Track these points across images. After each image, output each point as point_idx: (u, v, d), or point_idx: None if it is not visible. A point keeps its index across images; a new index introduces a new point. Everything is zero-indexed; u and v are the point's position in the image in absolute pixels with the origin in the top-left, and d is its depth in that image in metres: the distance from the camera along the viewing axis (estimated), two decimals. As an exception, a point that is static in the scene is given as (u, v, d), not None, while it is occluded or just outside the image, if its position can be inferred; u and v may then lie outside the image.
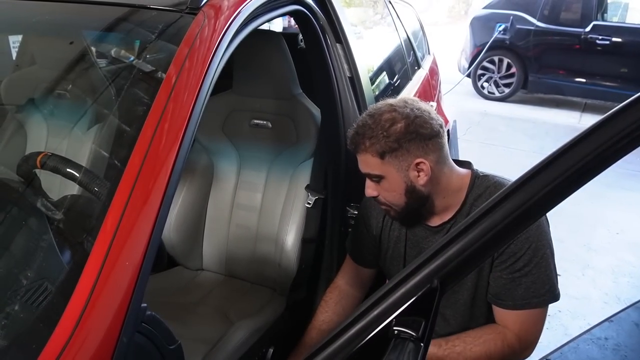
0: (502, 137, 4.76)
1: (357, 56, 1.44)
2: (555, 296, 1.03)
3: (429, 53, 2.80)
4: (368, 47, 1.99)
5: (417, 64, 2.32)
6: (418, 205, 1.06)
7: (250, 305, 1.53)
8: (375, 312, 0.46)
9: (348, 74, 1.40)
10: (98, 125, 1.41)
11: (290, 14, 1.31)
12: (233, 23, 0.95)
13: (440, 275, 0.46)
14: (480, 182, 1.09)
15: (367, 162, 1.05)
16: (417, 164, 1.02)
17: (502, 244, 0.51)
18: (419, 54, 2.37)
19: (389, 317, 0.45)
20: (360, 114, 1.43)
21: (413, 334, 0.44)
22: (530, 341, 1.03)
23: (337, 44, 1.39)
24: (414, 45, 2.32)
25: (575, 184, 0.45)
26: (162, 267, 1.43)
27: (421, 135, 1.01)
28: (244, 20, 1.00)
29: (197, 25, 0.89)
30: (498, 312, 1.06)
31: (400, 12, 2.39)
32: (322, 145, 1.49)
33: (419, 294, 0.45)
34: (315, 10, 1.33)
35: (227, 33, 0.93)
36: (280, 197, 1.60)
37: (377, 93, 1.73)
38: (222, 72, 1.73)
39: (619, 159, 0.46)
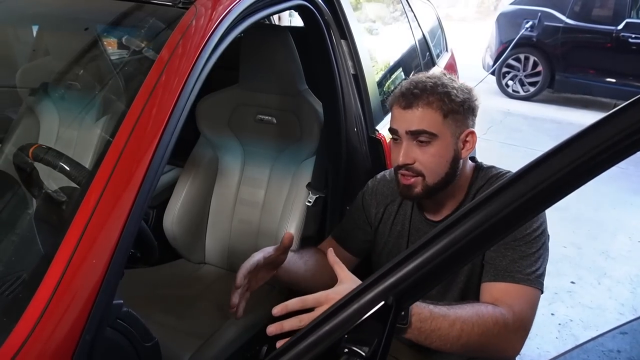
0: (524, 138, 4.64)
1: (363, 53, 1.41)
2: (539, 283, 0.96)
3: (446, 50, 2.73)
4: (379, 43, 1.95)
5: (432, 62, 2.27)
6: (451, 179, 1.03)
7: (250, 301, 1.52)
8: (327, 327, 0.44)
9: (352, 72, 1.38)
10: (106, 115, 1.43)
11: (295, 8, 1.29)
12: (227, 17, 0.93)
13: (396, 292, 0.43)
14: (484, 174, 1.07)
15: (425, 118, 0.98)
16: (468, 134, 1.02)
17: (466, 260, 0.47)
18: (434, 51, 2.31)
19: (341, 333, 0.43)
20: (363, 113, 1.40)
21: (362, 353, 0.42)
22: (523, 316, 0.92)
23: (342, 41, 1.37)
24: (429, 42, 2.26)
25: (544, 202, 0.42)
26: (156, 261, 1.42)
27: (474, 109, 1.03)
28: (241, 14, 0.98)
29: (188, 19, 0.88)
30: (483, 288, 0.99)
31: (417, 7, 2.33)
32: (324, 143, 1.47)
33: (373, 310, 0.43)
34: (320, 5, 1.30)
35: (219, 27, 0.91)
36: (283, 194, 1.59)
37: (384, 91, 1.69)
38: (230, 65, 1.73)
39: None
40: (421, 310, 0.79)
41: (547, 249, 1.00)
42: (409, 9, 2.20)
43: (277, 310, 0.85)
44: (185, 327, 1.34)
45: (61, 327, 0.55)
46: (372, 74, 1.48)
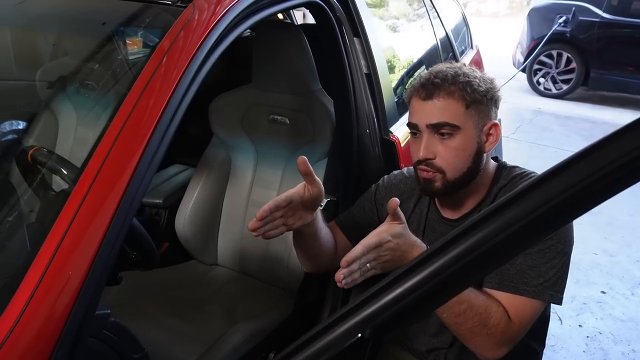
0: (555, 138, 4.46)
1: (377, 52, 1.35)
2: (547, 294, 0.89)
3: (471, 47, 2.63)
4: (400, 41, 1.88)
5: (455, 60, 2.18)
6: (474, 174, 0.97)
7: (259, 305, 1.49)
8: (298, 361, 0.39)
9: (365, 71, 1.32)
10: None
11: (305, 5, 1.25)
12: (227, 14, 0.90)
13: (375, 323, 0.38)
14: (507, 173, 1.01)
15: (447, 109, 0.93)
16: (492, 126, 0.97)
17: (456, 290, 0.42)
18: (457, 49, 2.22)
19: (312, 368, 0.38)
20: (376, 114, 1.34)
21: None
22: (521, 330, 0.89)
23: (355, 38, 1.31)
24: (452, 39, 2.17)
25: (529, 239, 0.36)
26: (168, 262, 1.41)
27: (497, 100, 0.99)
28: (243, 11, 0.95)
29: (184, 17, 0.85)
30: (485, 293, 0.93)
31: (442, 4, 2.25)
32: (336, 145, 1.42)
33: (346, 345, 0.38)
34: (332, 1, 1.25)
35: (220, 22, 0.88)
36: (295, 196, 1.55)
37: (406, 89, 1.63)
38: (244, 64, 1.69)
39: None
40: None
41: (565, 257, 0.92)
42: (432, 6, 2.12)
43: (348, 258, 0.82)
44: (191, 332, 1.32)
45: (29, 345, 0.52)
46: (387, 74, 1.42)
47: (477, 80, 0.96)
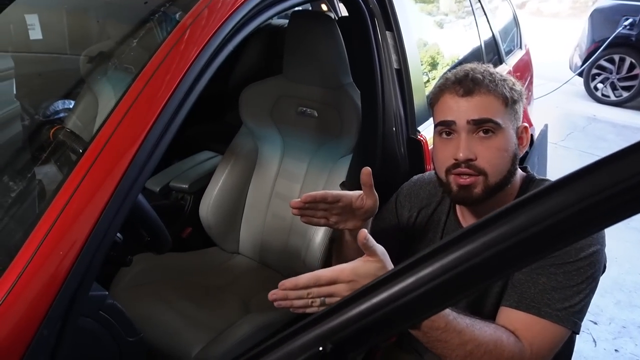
0: (609, 147, 4.18)
1: (410, 47, 1.30)
2: (571, 322, 0.82)
3: (520, 47, 2.50)
4: (443, 38, 1.81)
5: (500, 60, 2.07)
6: (511, 178, 0.91)
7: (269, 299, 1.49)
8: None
9: (396, 66, 1.27)
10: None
11: (337, -4, 1.21)
12: (249, 0, 0.88)
13: (337, 338, 0.35)
14: (535, 186, 0.94)
15: (490, 106, 0.88)
16: (523, 129, 0.93)
17: (430, 309, 0.38)
18: (503, 49, 2.11)
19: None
20: (404, 112, 1.29)
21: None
22: (544, 355, 0.82)
23: (387, 32, 1.27)
24: (498, 38, 2.07)
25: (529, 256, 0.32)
26: (166, 248, 1.39)
27: (524, 104, 0.96)
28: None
29: (205, 1, 0.85)
30: (502, 312, 0.87)
31: (492, 3, 2.14)
32: (360, 141, 1.38)
33: (304, 357, 0.35)
34: (366, -8, 1.21)
35: (242, 6, 0.87)
36: (318, 190, 1.52)
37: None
38: (276, 56, 1.67)
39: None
40: (438, 317, 0.71)
41: (594, 283, 0.84)
42: (479, 4, 2.02)
43: (286, 284, 0.74)
44: (203, 318, 1.33)
45: (11, 322, 0.53)
46: (419, 70, 1.36)
47: (512, 80, 0.92)
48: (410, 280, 0.33)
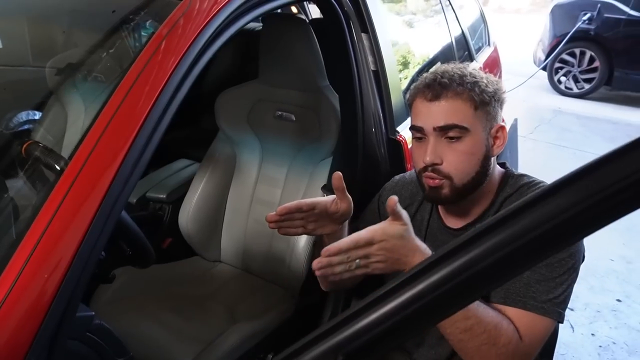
0: (574, 139, 4.33)
1: (386, 48, 1.31)
2: (556, 313, 0.85)
3: (488, 44, 2.56)
4: (413, 37, 1.83)
5: (470, 57, 2.12)
6: (482, 179, 0.93)
7: (260, 304, 1.47)
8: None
9: (372, 68, 1.28)
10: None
11: (312, -1, 1.21)
12: (229, 4, 0.87)
13: (349, 349, 0.35)
14: (514, 182, 0.96)
15: (456, 111, 0.89)
16: (499, 129, 0.93)
17: (441, 314, 0.38)
18: (473, 46, 2.15)
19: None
20: (383, 113, 1.30)
21: None
22: (530, 350, 0.84)
23: (363, 34, 1.27)
24: (468, 36, 2.11)
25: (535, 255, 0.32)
26: (150, 263, 1.36)
27: (503, 102, 0.95)
28: (246, 2, 0.92)
29: (184, 5, 0.83)
30: None
31: (459, 1, 2.18)
32: (341, 143, 1.39)
33: (315, 372, 0.35)
34: (340, -5, 1.21)
35: (220, 13, 0.85)
36: (299, 194, 1.52)
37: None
38: (250, 59, 1.66)
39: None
40: None
41: (575, 273, 0.87)
42: (448, 2, 2.05)
43: (331, 250, 0.77)
44: (190, 330, 1.30)
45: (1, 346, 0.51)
46: (396, 71, 1.37)
47: (485, 81, 0.92)
48: (420, 286, 0.33)
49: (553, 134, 4.40)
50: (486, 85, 0.91)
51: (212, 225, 1.64)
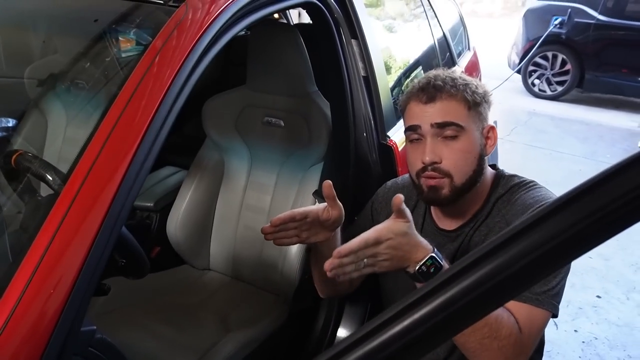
0: (550, 139, 4.45)
1: (375, 54, 1.32)
2: (551, 305, 0.87)
3: (468, 49, 2.61)
4: (397, 42, 1.85)
5: (452, 61, 2.15)
6: (478, 178, 0.95)
7: (252, 311, 1.46)
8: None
9: (363, 73, 1.29)
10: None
11: (302, 5, 1.22)
12: (222, 14, 0.87)
13: (404, 342, 0.35)
14: (505, 182, 0.99)
15: (451, 110, 0.92)
16: (489, 129, 0.97)
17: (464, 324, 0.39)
18: (454, 51, 2.19)
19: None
20: (374, 118, 1.31)
21: None
22: (529, 341, 0.86)
23: (353, 40, 1.28)
24: (450, 41, 2.15)
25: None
26: (160, 266, 1.37)
27: (490, 104, 0.99)
28: (239, 11, 0.92)
29: (177, 17, 0.82)
30: None
31: (439, 4, 2.22)
32: (332, 149, 1.39)
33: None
34: (330, 2, 1.22)
35: (214, 22, 0.85)
36: (289, 200, 1.52)
37: (402, 90, 1.60)
38: (240, 64, 1.65)
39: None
40: None
41: (567, 267, 0.90)
42: (429, 6, 2.09)
43: (342, 251, 0.78)
44: (183, 340, 1.29)
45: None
46: (385, 77, 1.39)
47: (475, 84, 0.97)
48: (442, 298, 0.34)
49: (529, 136, 4.51)
50: (476, 87, 0.95)
51: (201, 233, 1.62)
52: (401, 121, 1.29)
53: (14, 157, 0.88)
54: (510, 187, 0.98)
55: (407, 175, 1.07)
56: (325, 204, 0.93)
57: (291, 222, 0.91)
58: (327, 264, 0.78)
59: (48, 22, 1.50)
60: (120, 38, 1.23)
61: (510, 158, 3.72)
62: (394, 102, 1.42)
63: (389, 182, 1.17)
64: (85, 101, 1.65)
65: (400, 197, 0.82)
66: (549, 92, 5.66)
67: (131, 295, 1.44)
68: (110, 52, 1.23)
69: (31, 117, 1.81)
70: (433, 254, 0.83)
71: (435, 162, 0.92)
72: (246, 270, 1.61)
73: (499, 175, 1.01)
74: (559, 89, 5.58)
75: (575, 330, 2.09)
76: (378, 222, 1.11)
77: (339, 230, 1.00)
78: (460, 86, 0.93)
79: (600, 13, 5.20)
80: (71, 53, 1.49)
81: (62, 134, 1.78)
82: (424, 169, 0.93)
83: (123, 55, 1.18)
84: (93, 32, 1.22)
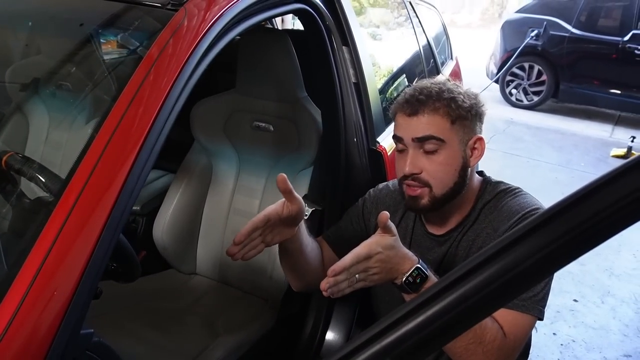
0: (527, 148, 4.57)
1: (365, 60, 1.35)
2: (537, 310, 0.89)
3: (451, 58, 2.67)
4: (383, 50, 1.89)
5: (437, 70, 2.20)
6: (460, 189, 0.97)
7: (240, 316, 1.46)
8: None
9: (353, 80, 1.31)
10: (97, 117, 1.37)
11: (294, 12, 1.23)
12: (219, 20, 0.88)
13: (396, 353, 0.37)
14: (492, 188, 1.02)
15: (433, 124, 0.94)
16: (476, 140, 0.98)
17: (480, 316, 0.40)
18: (439, 60, 2.24)
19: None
20: (364, 124, 1.34)
21: None
22: (514, 346, 0.88)
23: (344, 47, 1.30)
24: (434, 49, 2.20)
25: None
26: (145, 271, 1.34)
27: (481, 115, 1.00)
28: (235, 17, 0.93)
29: (175, 22, 0.82)
30: None
31: (422, 13, 2.27)
32: (322, 154, 1.41)
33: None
34: (321, 9, 1.24)
35: (210, 30, 0.85)
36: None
37: (387, 98, 1.63)
38: (227, 69, 1.67)
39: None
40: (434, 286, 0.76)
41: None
42: (414, 14, 2.13)
43: (336, 269, 0.80)
44: (172, 345, 1.27)
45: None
46: (375, 83, 1.41)
47: (462, 97, 0.96)
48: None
49: (507, 144, 4.62)
50: (462, 101, 0.96)
51: (187, 237, 1.61)
52: (390, 127, 1.32)
53: (4, 158, 0.86)
54: (497, 193, 1.01)
55: (397, 180, 1.09)
56: (283, 200, 0.90)
57: (255, 231, 0.88)
58: (323, 284, 0.80)
59: (34, 24, 1.47)
60: (111, 40, 1.22)
61: (490, 166, 3.81)
62: (383, 106, 1.45)
63: (381, 185, 1.19)
64: (70, 105, 1.63)
65: (385, 214, 0.84)
66: (525, 102, 5.81)
67: (117, 300, 1.41)
68: (97, 56, 1.22)
69: (12, 119, 1.78)
70: (418, 265, 0.86)
71: (415, 173, 0.95)
72: (233, 275, 1.60)
73: (486, 182, 1.04)
74: (535, 98, 5.75)
75: (554, 333, 2.15)
76: (369, 221, 1.13)
77: (302, 224, 0.97)
78: (445, 100, 0.94)
79: (574, 27, 5.39)
80: (56, 56, 1.47)
81: (45, 137, 1.75)
82: (405, 177, 0.97)
83: (108, 58, 1.17)
84: (82, 35, 1.20)
